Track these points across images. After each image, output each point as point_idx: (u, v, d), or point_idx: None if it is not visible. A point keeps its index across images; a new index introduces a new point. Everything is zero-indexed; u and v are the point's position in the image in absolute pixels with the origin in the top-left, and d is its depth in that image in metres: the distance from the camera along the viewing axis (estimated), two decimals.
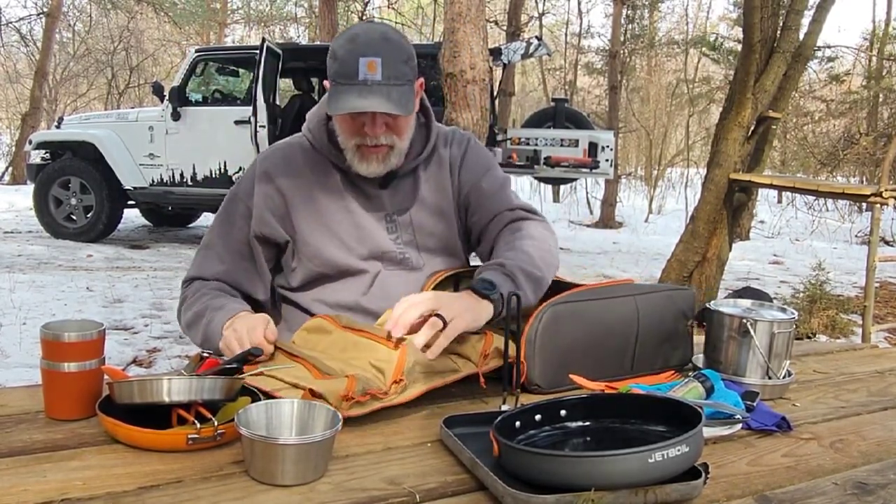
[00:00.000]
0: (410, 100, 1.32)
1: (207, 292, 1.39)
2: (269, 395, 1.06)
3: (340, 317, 1.30)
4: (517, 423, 0.98)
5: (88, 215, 7.18)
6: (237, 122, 6.78)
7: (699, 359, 1.40)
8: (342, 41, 1.32)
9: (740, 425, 1.10)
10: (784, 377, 1.31)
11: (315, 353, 1.20)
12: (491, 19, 11.41)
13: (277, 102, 6.96)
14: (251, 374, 1.10)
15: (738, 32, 12.47)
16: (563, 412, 1.01)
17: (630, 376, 1.31)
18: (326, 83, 1.35)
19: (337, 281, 1.42)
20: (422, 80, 1.38)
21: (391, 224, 1.43)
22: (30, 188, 7.65)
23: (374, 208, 1.43)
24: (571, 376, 1.24)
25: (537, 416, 1.00)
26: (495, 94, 7.94)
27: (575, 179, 10.92)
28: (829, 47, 12.30)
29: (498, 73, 9.27)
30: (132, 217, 8.54)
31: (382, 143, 1.35)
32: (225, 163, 6.96)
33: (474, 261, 1.55)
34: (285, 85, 10.35)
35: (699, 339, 1.44)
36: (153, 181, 7.13)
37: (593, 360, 1.28)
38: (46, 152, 7.37)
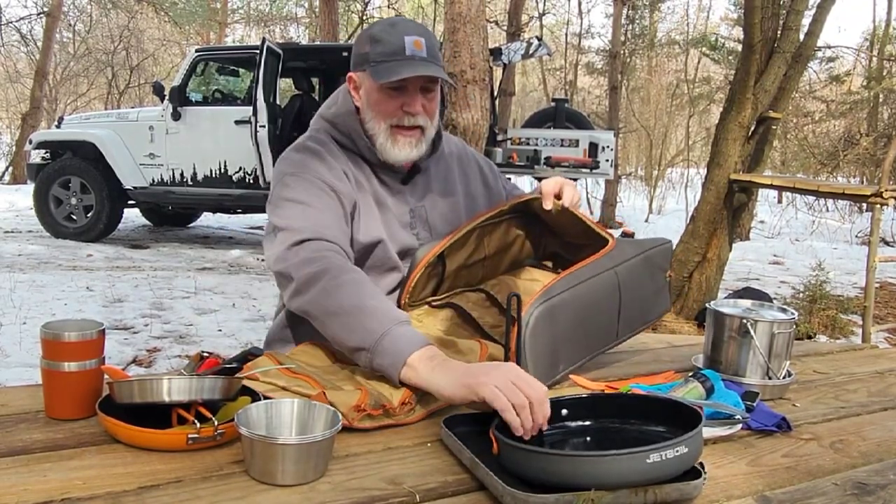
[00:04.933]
0: (445, 76, 1.37)
1: (366, 281, 1.21)
2: (269, 398, 1.05)
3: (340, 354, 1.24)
4: None
5: (88, 215, 7.18)
6: (237, 122, 6.78)
7: (699, 359, 1.40)
8: (382, 26, 1.37)
9: (740, 426, 1.10)
10: (784, 377, 1.31)
11: (314, 369, 1.18)
12: (491, 19, 11.40)
13: (277, 102, 6.96)
14: (247, 375, 1.10)
15: (739, 33, 12.47)
16: (563, 411, 1.01)
17: (616, 342, 1.37)
18: (354, 75, 1.39)
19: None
20: None
21: (414, 219, 1.46)
22: (30, 188, 7.65)
23: (401, 203, 1.45)
24: (572, 377, 1.24)
25: None
26: (495, 94, 7.94)
27: (575, 180, 10.93)
28: (829, 47, 12.28)
29: (498, 73, 9.27)
30: (132, 217, 8.53)
31: (418, 123, 1.38)
32: (225, 162, 6.96)
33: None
34: (285, 85, 10.35)
35: (699, 338, 1.44)
36: (153, 181, 7.13)
37: (583, 340, 1.31)
38: (47, 152, 7.37)
